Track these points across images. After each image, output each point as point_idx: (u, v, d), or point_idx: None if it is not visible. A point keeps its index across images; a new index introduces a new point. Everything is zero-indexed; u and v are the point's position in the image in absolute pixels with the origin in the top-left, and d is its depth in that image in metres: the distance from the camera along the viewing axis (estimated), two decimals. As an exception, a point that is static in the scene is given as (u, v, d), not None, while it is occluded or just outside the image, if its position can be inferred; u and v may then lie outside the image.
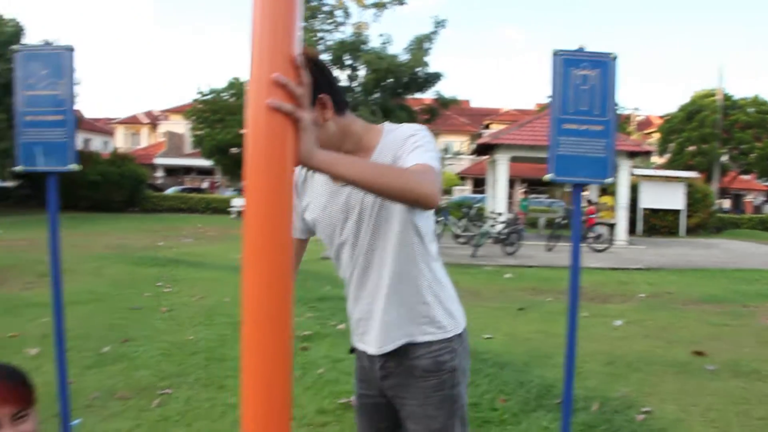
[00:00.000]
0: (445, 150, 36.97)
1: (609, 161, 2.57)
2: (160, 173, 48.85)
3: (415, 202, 1.51)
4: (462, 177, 44.57)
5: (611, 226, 18.10)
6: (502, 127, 32.80)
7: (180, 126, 49.53)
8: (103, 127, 55.43)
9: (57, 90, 3.30)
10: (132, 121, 58.06)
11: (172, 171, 49.92)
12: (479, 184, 41.70)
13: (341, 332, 6.09)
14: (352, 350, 2.01)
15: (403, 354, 1.81)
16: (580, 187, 2.77)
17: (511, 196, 24.44)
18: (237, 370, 4.52)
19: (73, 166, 3.38)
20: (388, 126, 1.80)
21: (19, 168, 3.46)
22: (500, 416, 4.00)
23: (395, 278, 1.76)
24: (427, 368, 1.81)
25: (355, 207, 1.74)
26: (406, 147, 1.67)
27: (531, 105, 51.61)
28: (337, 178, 1.51)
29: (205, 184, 42.54)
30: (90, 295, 7.98)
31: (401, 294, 1.77)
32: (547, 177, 2.58)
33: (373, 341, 1.84)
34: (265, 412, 1.06)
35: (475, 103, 56.67)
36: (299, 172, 1.87)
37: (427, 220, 1.80)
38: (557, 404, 4.19)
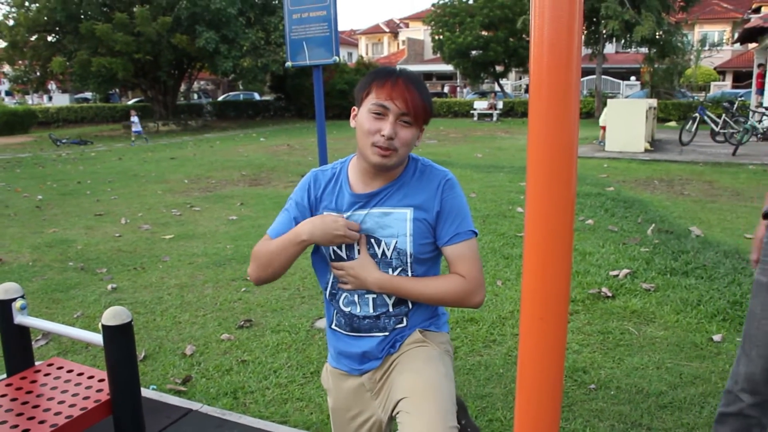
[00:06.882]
0: (702, 42, 33.12)
1: None
2: (401, 80, 50.31)
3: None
4: (720, 71, 40.04)
5: None
6: (774, 8, 28.71)
7: (419, 32, 50.31)
8: (347, 39, 58.07)
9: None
10: (373, 31, 59.95)
11: (412, 78, 51.12)
12: (740, 79, 37.33)
13: (589, 227, 6.01)
14: (765, 215, 1.93)
15: None
16: None
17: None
18: (485, 259, 4.65)
19: (335, 59, 3.63)
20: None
21: (288, 64, 3.81)
22: None
23: None
24: None
25: None
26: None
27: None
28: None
29: (445, 89, 43.07)
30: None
31: None
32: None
33: None
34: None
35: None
36: None
37: None
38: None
